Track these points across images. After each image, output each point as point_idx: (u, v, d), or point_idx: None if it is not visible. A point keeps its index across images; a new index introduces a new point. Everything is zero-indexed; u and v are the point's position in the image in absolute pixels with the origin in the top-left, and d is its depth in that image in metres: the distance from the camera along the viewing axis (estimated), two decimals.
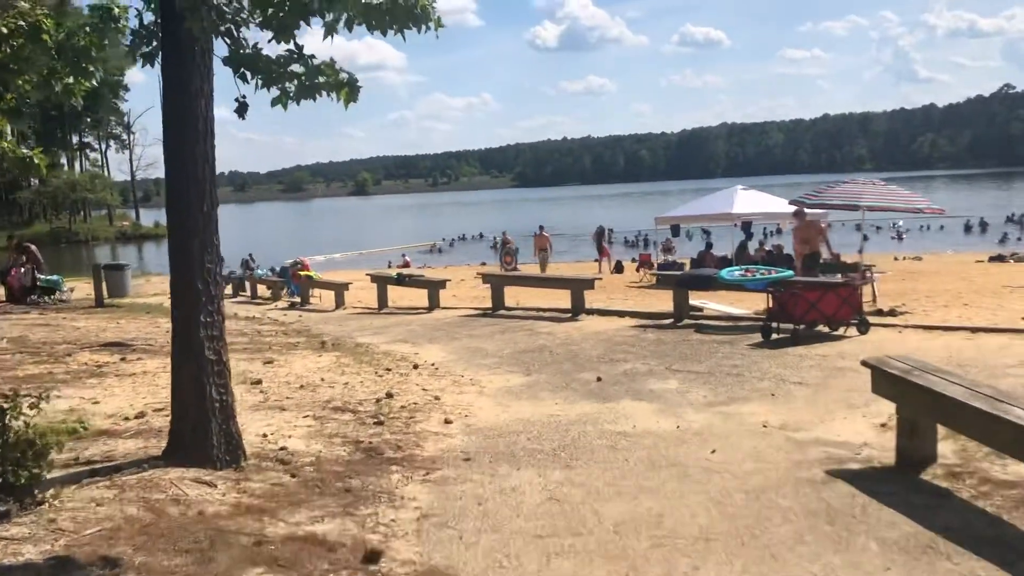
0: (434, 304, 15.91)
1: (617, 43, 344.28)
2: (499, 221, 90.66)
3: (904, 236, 44.92)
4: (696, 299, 12.93)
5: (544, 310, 14.24)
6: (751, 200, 22.73)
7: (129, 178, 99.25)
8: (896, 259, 29.78)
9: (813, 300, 9.73)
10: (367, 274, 19.57)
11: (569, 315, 13.30)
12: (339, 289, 18.87)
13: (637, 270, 26.32)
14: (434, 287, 16.13)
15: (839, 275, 15.45)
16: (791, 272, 11.04)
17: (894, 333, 10.09)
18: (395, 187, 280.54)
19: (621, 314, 13.06)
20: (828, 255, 14.40)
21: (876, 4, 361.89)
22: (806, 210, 14.05)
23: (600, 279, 14.42)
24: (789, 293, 9.87)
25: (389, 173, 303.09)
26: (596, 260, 31.31)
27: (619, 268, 29.48)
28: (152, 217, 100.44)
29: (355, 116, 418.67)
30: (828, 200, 13.25)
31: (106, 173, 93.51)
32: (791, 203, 15.03)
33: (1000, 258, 29.10)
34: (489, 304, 14.94)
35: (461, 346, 11.03)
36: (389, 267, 42.67)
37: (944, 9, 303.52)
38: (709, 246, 24.80)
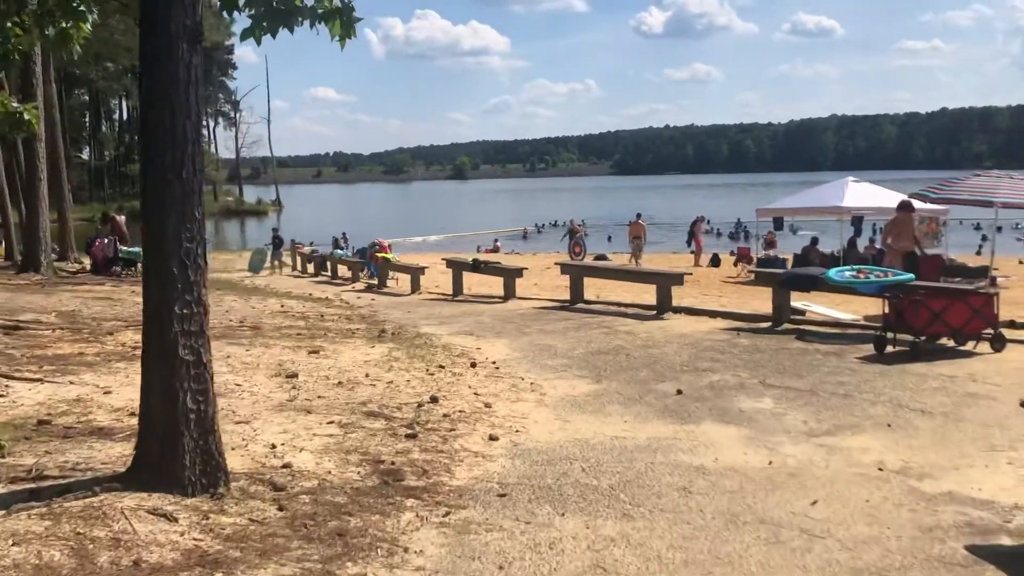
0: (510, 293, 14.88)
1: (725, 31, 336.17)
2: (593, 208, 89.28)
3: None
4: (799, 301, 11.50)
5: (627, 305, 13.03)
6: (863, 193, 20.86)
7: (234, 156, 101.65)
8: (1022, 262, 27.16)
9: (938, 310, 8.23)
10: (443, 259, 18.67)
11: (654, 312, 12.06)
12: (415, 273, 18.06)
13: (735, 264, 24.72)
14: (510, 275, 15.08)
15: (958, 279, 13.76)
16: (911, 275, 9.51)
17: None
18: (492, 171, 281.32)
19: (712, 314, 11.72)
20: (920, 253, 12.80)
21: None
22: (928, 205, 12.40)
23: (691, 274, 13.12)
24: (909, 300, 8.39)
25: (488, 158, 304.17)
26: (692, 252, 29.73)
27: (716, 261, 27.86)
28: (257, 193, 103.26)
29: (460, 101, 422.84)
30: (956, 195, 11.65)
31: (213, 150, 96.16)
32: (912, 196, 13.35)
33: None
34: (568, 296, 13.82)
35: (529, 342, 9.96)
36: (478, 251, 41.98)
37: None
38: (815, 241, 22.95)
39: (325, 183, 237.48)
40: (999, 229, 46.30)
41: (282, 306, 13.93)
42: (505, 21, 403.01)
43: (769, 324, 10.67)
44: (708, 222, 54.59)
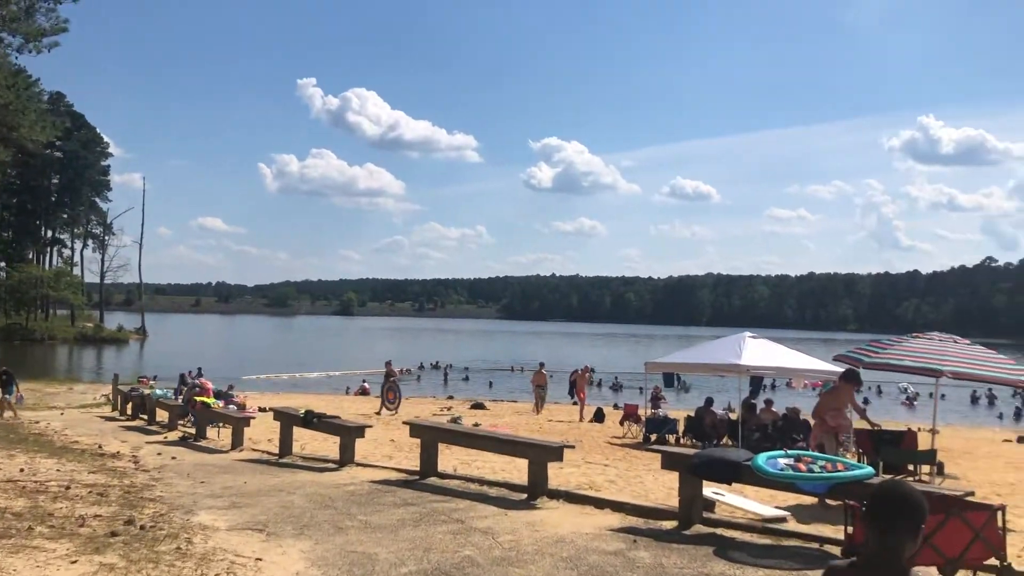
0: (347, 458, 11.70)
1: (610, 189, 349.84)
2: (478, 350, 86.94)
3: (915, 403, 40.42)
4: (709, 487, 8.83)
5: (491, 484, 10.08)
6: (762, 351, 18.88)
7: (99, 279, 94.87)
8: (909, 430, 25.75)
9: (927, 531, 5.65)
10: (270, 409, 15.33)
11: (525, 497, 9.16)
12: (238, 424, 14.61)
13: (621, 423, 22.16)
14: (349, 434, 11.91)
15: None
16: (870, 470, 6.98)
17: None
18: (380, 309, 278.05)
19: (600, 504, 8.85)
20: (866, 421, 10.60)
21: (861, 172, 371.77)
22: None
23: (572, 447, 10.37)
24: None
25: (377, 295, 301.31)
26: (574, 403, 27.11)
27: (599, 416, 25.30)
28: (128, 320, 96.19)
29: (351, 239, 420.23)
30: (898, 360, 9.47)
31: (78, 272, 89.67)
32: (838, 359, 11.20)
33: None
34: (419, 466, 10.76)
35: (340, 550, 6.81)
36: (347, 393, 38.41)
37: (925, 183, 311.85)
38: (710, 402, 20.73)
39: (204, 313, 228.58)
40: (880, 391, 46.27)
41: (22, 469, 10.28)
42: (401, 166, 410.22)
43: (675, 524, 7.90)
44: (593, 371, 53.00)
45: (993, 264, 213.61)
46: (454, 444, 11.48)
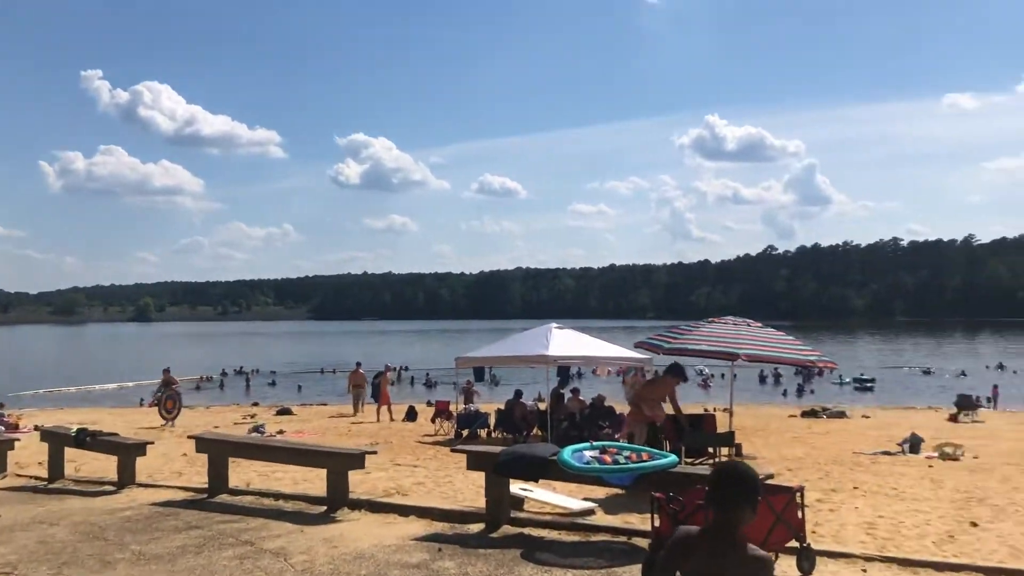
0: (127, 479, 10.53)
1: (420, 186, 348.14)
2: (288, 353, 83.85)
3: (711, 384, 42.85)
4: (517, 484, 8.58)
5: (288, 497, 9.36)
6: (568, 341, 19.09)
7: None
8: (706, 411, 27.22)
9: None
10: (35, 428, 13.68)
11: (324, 509, 8.53)
12: (0, 448, 12.89)
13: (432, 420, 21.80)
14: (128, 453, 10.71)
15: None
16: (674, 458, 6.94)
17: (855, 572, 6.14)
18: (180, 313, 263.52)
19: (405, 511, 8.36)
20: (681, 418, 10.80)
21: (656, 168, 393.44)
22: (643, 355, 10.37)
23: (375, 452, 9.82)
24: (691, 501, 5.70)
25: (176, 299, 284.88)
26: (377, 406, 25.79)
27: (412, 415, 24.81)
28: None
29: (147, 240, 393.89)
30: (695, 345, 9.67)
31: None
32: (638, 345, 11.34)
33: (813, 413, 27.59)
34: (207, 482, 9.82)
35: None
36: (141, 404, 35.64)
37: (712, 178, 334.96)
38: (519, 394, 20.78)
39: None
40: None
41: None
42: (200, 163, 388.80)
43: (483, 527, 7.57)
44: (406, 368, 52.32)
45: (773, 252, 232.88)
46: (245, 458, 10.60)
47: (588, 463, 6.83)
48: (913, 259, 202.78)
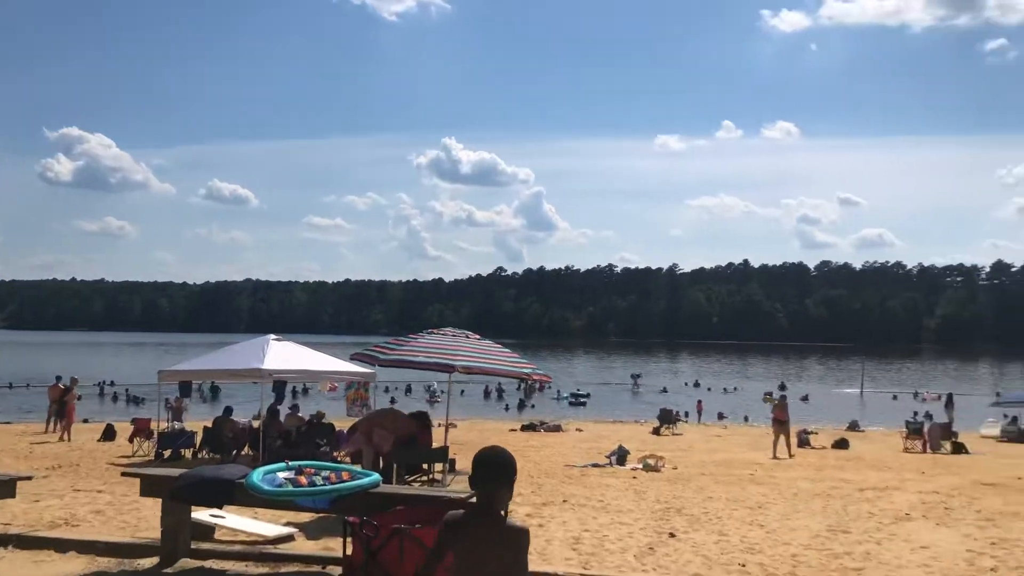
0: None
1: (142, 188, 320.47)
2: None
3: (438, 399, 42.89)
4: (204, 511, 7.62)
5: None
6: (287, 354, 18.05)
7: None
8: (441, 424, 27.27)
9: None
10: None
11: None
12: None
13: (130, 440, 19.69)
14: None
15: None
16: (377, 477, 6.41)
17: None
18: None
19: (63, 546, 7.11)
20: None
21: (393, 185, 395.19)
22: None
23: (30, 477, 8.39)
24: (386, 526, 5.17)
25: None
26: (58, 424, 23.05)
27: (110, 434, 22.32)
28: None
29: None
30: (412, 356, 9.28)
31: None
32: (355, 357, 10.76)
33: (532, 427, 28.61)
34: None
35: None
36: None
37: (448, 199, 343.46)
38: (229, 411, 19.32)
39: None
40: (408, 390, 48.72)
41: None
42: None
43: (156, 562, 6.57)
44: (111, 383, 47.53)
45: (503, 274, 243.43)
46: None
47: (281, 485, 6.11)
48: (625, 284, 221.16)
